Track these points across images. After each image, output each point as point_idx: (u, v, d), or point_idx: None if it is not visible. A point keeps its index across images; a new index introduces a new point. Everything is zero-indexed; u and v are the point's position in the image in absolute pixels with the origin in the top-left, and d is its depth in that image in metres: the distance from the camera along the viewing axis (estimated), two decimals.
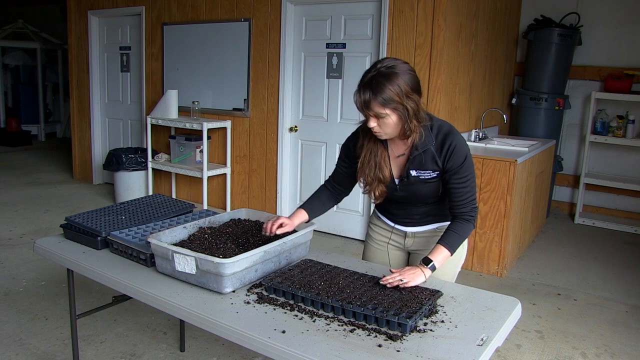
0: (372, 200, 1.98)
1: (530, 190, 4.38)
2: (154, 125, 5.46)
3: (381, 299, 1.59)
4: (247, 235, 2.04)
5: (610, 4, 5.35)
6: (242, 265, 1.70)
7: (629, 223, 5.26)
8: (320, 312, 1.59)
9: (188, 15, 5.39)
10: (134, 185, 5.52)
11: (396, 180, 1.91)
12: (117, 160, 5.42)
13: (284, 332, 1.47)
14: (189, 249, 1.81)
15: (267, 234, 1.92)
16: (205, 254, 1.73)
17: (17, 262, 3.90)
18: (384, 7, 4.17)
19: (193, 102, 5.24)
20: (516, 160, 3.77)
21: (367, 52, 4.40)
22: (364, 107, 1.72)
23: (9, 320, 3.04)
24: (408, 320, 1.46)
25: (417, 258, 2.04)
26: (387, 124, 1.75)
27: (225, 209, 5.29)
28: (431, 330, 1.50)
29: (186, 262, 1.73)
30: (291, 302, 1.65)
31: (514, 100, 5.59)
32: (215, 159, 5.39)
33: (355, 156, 1.95)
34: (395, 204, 2.02)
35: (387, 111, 1.71)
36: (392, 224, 2.09)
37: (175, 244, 1.88)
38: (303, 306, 1.63)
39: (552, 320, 3.25)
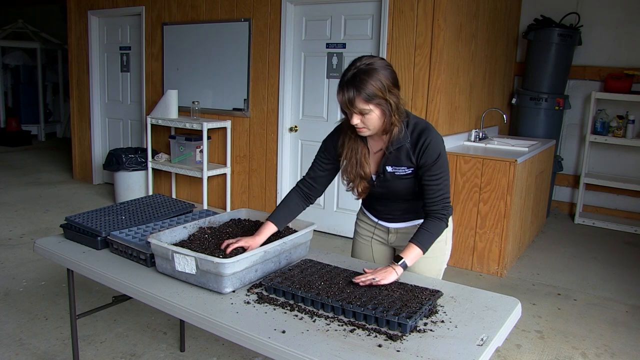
0: (355, 197, 2.01)
1: (530, 190, 4.38)
2: (154, 125, 5.46)
3: (381, 299, 1.59)
4: (247, 235, 2.03)
5: (610, 4, 5.35)
6: (242, 265, 1.70)
7: (629, 223, 5.26)
8: (320, 312, 1.59)
9: (188, 15, 5.39)
10: (134, 185, 5.52)
11: (373, 177, 1.94)
12: (117, 160, 5.42)
13: (284, 332, 1.47)
14: (189, 249, 1.81)
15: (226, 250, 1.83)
16: (205, 254, 1.73)
17: (17, 262, 3.90)
18: (384, 7, 4.17)
19: (193, 102, 5.24)
20: (516, 160, 3.77)
21: (367, 52, 4.39)
22: (349, 104, 1.74)
23: (9, 320, 3.04)
24: (408, 320, 1.46)
25: None
26: (370, 119, 1.76)
27: (225, 209, 5.29)
28: (431, 330, 1.50)
29: (186, 262, 1.73)
30: (291, 302, 1.65)
31: (514, 100, 5.59)
32: (215, 159, 5.40)
33: (337, 154, 1.97)
34: (377, 200, 2.05)
35: (371, 107, 1.73)
36: (376, 220, 2.12)
37: (175, 244, 1.88)
38: (303, 306, 1.63)
39: (552, 320, 3.25)
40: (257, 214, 2.26)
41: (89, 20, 6.31)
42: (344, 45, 4.51)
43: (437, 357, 1.36)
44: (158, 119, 5.33)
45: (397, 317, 1.47)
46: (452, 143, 4.27)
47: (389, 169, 1.89)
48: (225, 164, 5.28)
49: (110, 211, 2.39)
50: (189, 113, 5.30)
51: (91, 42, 6.35)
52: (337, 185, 4.43)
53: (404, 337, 1.45)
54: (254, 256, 1.75)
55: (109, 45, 6.32)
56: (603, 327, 3.19)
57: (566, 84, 5.50)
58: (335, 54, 4.56)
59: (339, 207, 4.72)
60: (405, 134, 1.84)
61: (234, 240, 1.86)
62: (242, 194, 5.25)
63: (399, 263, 1.79)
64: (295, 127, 4.86)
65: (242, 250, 1.82)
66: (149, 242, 1.83)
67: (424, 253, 1.84)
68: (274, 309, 1.61)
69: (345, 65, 4.56)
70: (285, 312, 1.59)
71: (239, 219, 2.25)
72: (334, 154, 1.99)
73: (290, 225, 2.12)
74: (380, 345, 1.41)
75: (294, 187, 2.09)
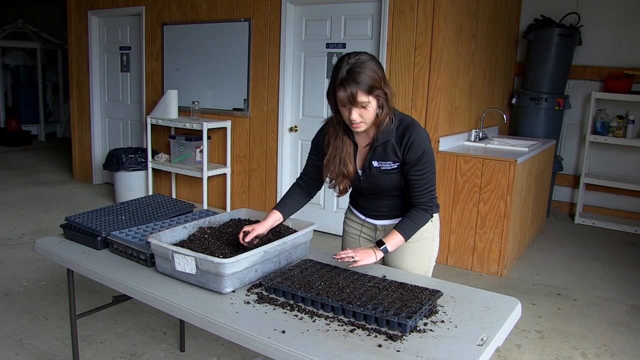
0: (336, 194, 2.03)
1: (530, 190, 4.38)
2: (154, 125, 5.46)
3: (381, 299, 1.59)
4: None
5: (610, 4, 5.35)
6: (242, 265, 1.70)
7: (629, 223, 5.26)
8: (320, 312, 1.59)
9: (188, 15, 5.39)
10: (134, 185, 5.52)
11: (359, 172, 1.95)
12: (117, 160, 5.42)
13: (284, 332, 1.47)
14: (189, 249, 1.81)
15: (244, 242, 1.91)
16: (205, 254, 1.73)
17: (17, 262, 3.90)
18: (384, 7, 4.17)
19: (193, 102, 5.24)
20: (516, 160, 3.77)
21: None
22: (351, 99, 1.74)
23: (9, 320, 3.04)
24: (408, 320, 1.46)
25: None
26: (368, 113, 1.78)
27: (225, 209, 5.29)
28: (431, 330, 1.50)
29: (186, 262, 1.73)
30: (291, 302, 1.65)
31: (514, 100, 5.59)
32: (215, 159, 5.40)
33: (324, 152, 1.98)
34: (364, 197, 2.07)
35: (370, 99, 1.75)
36: (363, 217, 2.13)
37: (175, 244, 1.88)
38: (303, 306, 1.63)
39: (552, 320, 3.25)
40: (257, 214, 2.26)
41: (89, 20, 6.31)
42: (344, 45, 4.51)
43: (437, 357, 1.36)
44: (158, 119, 5.33)
45: (397, 317, 1.47)
46: (452, 143, 4.27)
47: (374, 163, 1.91)
48: (225, 164, 5.28)
49: (110, 211, 2.39)
50: (189, 113, 5.30)
51: (91, 42, 6.35)
52: None
53: (404, 337, 1.45)
54: (254, 256, 1.75)
55: (109, 45, 6.32)
56: (603, 327, 3.19)
57: (566, 84, 5.50)
58: (335, 54, 4.56)
59: (338, 207, 4.72)
60: (390, 129, 1.86)
61: (249, 229, 1.91)
62: (242, 194, 5.25)
63: (381, 248, 1.84)
64: (295, 127, 4.86)
65: (258, 243, 1.89)
66: (149, 242, 1.83)
67: (405, 241, 1.90)
68: (274, 309, 1.61)
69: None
70: (285, 312, 1.59)
71: (239, 219, 2.25)
72: (322, 151, 2.01)
73: (290, 225, 2.13)
74: (380, 345, 1.41)
75: (294, 183, 2.14)
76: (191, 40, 5.39)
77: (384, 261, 2.09)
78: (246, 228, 1.92)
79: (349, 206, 2.23)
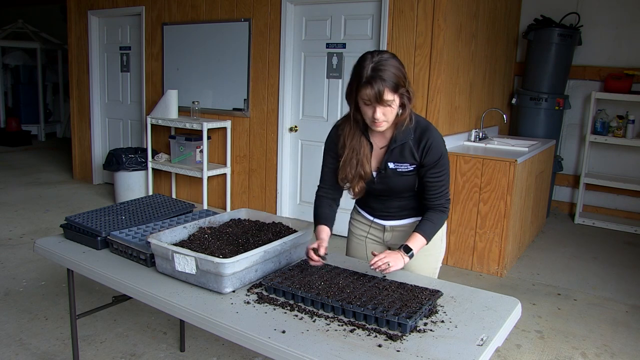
0: (352, 197, 2.01)
1: (530, 190, 4.38)
2: (154, 125, 5.46)
3: (381, 299, 1.59)
4: (247, 235, 2.04)
5: (610, 4, 5.35)
6: (242, 265, 1.70)
7: (629, 223, 5.26)
8: (320, 312, 1.59)
9: (188, 15, 5.39)
10: (134, 185, 5.52)
11: (374, 173, 1.93)
12: (117, 160, 5.42)
13: (284, 332, 1.47)
14: (189, 249, 1.81)
15: (317, 262, 1.83)
16: (205, 254, 1.73)
17: (17, 262, 3.90)
18: (384, 7, 4.17)
19: (193, 102, 5.24)
20: (516, 160, 3.77)
21: None
22: (378, 97, 1.71)
23: (9, 320, 3.04)
24: (408, 320, 1.46)
25: None
26: (391, 111, 1.76)
27: (225, 209, 5.29)
28: (431, 330, 1.50)
29: (186, 262, 1.73)
30: (291, 302, 1.65)
31: (514, 100, 5.59)
32: (215, 159, 5.39)
33: (340, 154, 1.95)
34: (374, 198, 2.04)
35: (396, 97, 1.74)
36: (372, 218, 2.11)
37: (175, 244, 1.88)
38: (303, 306, 1.63)
39: (552, 320, 3.25)
40: (257, 214, 2.26)
41: (89, 20, 6.31)
42: (344, 45, 4.51)
43: (437, 357, 1.36)
44: (158, 119, 5.33)
45: (397, 317, 1.47)
46: (452, 143, 4.27)
47: (390, 165, 1.89)
48: (225, 164, 5.28)
49: (110, 211, 2.39)
50: (189, 113, 5.30)
51: (91, 42, 6.35)
52: None
53: (404, 337, 1.45)
54: (254, 256, 1.75)
55: (109, 45, 6.32)
56: (603, 327, 3.19)
57: (566, 84, 5.50)
58: (335, 54, 4.56)
59: (342, 208, 4.71)
60: (408, 130, 1.85)
61: (315, 246, 1.83)
62: (242, 194, 5.25)
63: (408, 254, 1.81)
64: (295, 127, 4.86)
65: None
66: (149, 242, 1.83)
67: (427, 243, 1.88)
68: (274, 309, 1.61)
69: (346, 65, 4.60)
70: (285, 312, 1.59)
71: (239, 219, 2.25)
72: (338, 154, 1.96)
73: (290, 225, 2.12)
74: (380, 345, 1.41)
75: (316, 197, 2.05)
76: (191, 40, 5.39)
77: None
78: (311, 246, 1.83)
79: (355, 207, 2.20)
